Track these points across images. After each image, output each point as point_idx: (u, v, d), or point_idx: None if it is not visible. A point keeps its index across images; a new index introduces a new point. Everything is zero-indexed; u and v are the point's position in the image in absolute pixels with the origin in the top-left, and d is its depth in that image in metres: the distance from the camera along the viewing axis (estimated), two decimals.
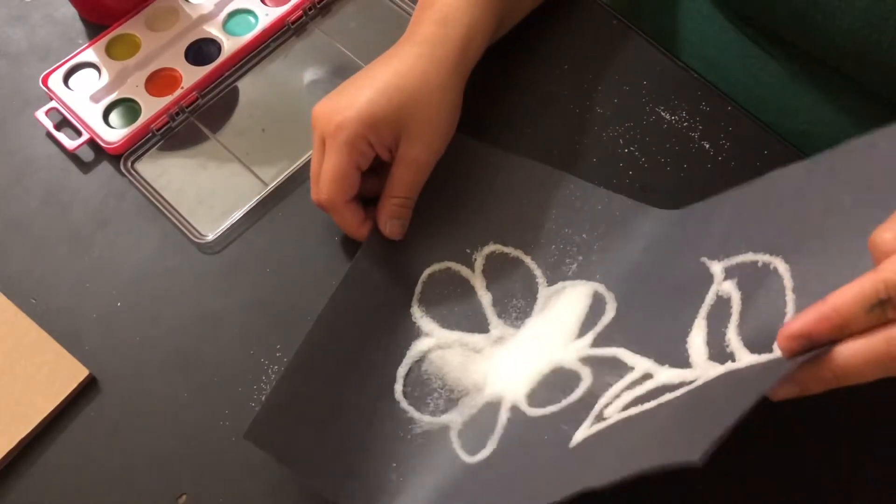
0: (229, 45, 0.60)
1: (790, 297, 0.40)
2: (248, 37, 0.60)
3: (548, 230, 0.52)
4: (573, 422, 0.44)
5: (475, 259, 0.52)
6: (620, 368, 0.46)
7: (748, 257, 0.44)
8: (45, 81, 0.58)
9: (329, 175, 0.48)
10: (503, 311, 0.50)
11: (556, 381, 0.47)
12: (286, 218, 0.55)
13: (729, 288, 0.44)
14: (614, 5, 0.62)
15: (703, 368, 0.42)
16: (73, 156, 0.57)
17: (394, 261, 0.51)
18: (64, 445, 0.48)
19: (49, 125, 0.57)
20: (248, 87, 0.60)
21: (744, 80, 0.61)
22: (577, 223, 0.52)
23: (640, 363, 0.45)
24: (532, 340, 0.49)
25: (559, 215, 0.52)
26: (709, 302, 0.44)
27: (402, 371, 0.48)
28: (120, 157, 0.56)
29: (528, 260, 0.52)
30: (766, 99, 0.60)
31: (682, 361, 0.43)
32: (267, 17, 0.61)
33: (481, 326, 0.50)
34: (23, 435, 0.47)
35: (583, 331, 0.49)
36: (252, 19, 0.61)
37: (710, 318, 0.44)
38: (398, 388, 0.48)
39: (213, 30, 0.61)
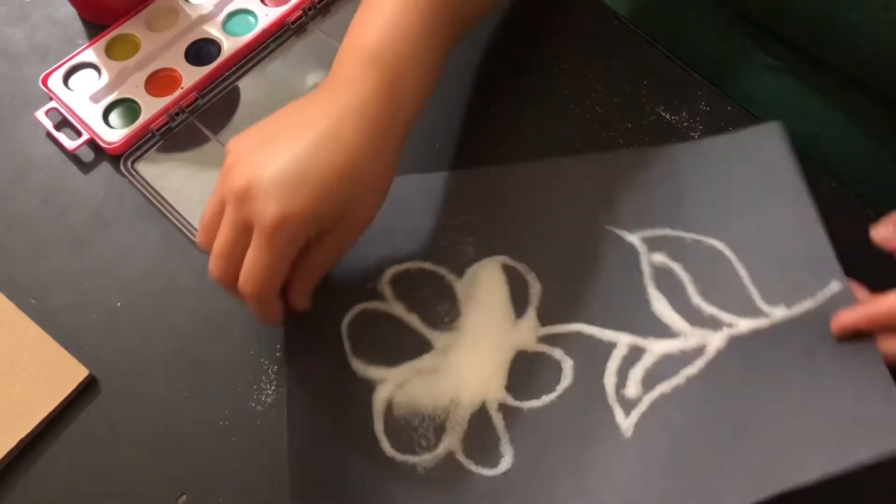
0: (229, 45, 0.60)
1: (741, 267, 0.50)
2: (248, 37, 0.60)
3: (431, 232, 0.52)
4: (595, 409, 0.46)
5: (381, 290, 0.50)
6: (598, 345, 0.48)
7: (667, 233, 0.51)
8: (45, 81, 0.58)
9: (265, 272, 0.42)
10: (435, 322, 0.50)
11: (529, 367, 0.48)
12: None
13: (663, 259, 0.51)
14: (614, 5, 0.62)
15: (695, 335, 0.48)
16: (73, 156, 0.57)
17: (313, 330, 0.49)
18: (64, 445, 0.48)
19: (49, 125, 0.57)
20: (249, 87, 0.60)
21: (745, 81, 0.61)
22: (449, 211, 0.52)
23: (619, 338, 0.48)
24: (477, 336, 0.49)
25: (432, 214, 0.52)
26: (648, 272, 0.50)
27: (379, 428, 0.47)
28: (120, 157, 0.56)
29: (428, 265, 0.51)
30: (768, 100, 0.59)
31: (665, 332, 0.48)
32: (267, 17, 0.61)
33: (424, 347, 0.49)
34: (23, 435, 0.47)
35: (519, 309, 0.50)
36: (252, 19, 0.61)
37: (662, 288, 0.50)
38: (386, 446, 0.46)
39: (213, 30, 0.61)
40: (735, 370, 0.46)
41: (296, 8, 0.61)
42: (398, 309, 0.50)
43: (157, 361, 0.50)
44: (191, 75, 0.59)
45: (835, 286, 0.48)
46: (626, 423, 0.46)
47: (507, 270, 0.51)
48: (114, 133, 0.56)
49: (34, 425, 0.48)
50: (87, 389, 0.49)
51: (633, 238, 0.51)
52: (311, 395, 0.47)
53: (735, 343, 0.47)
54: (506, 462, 0.46)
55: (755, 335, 0.47)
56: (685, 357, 0.47)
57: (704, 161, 0.53)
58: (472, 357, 0.49)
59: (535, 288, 0.50)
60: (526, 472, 0.45)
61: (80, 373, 0.49)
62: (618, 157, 0.54)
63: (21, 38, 0.62)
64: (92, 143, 0.57)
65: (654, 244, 0.51)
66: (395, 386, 0.48)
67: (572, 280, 0.50)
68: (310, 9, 0.62)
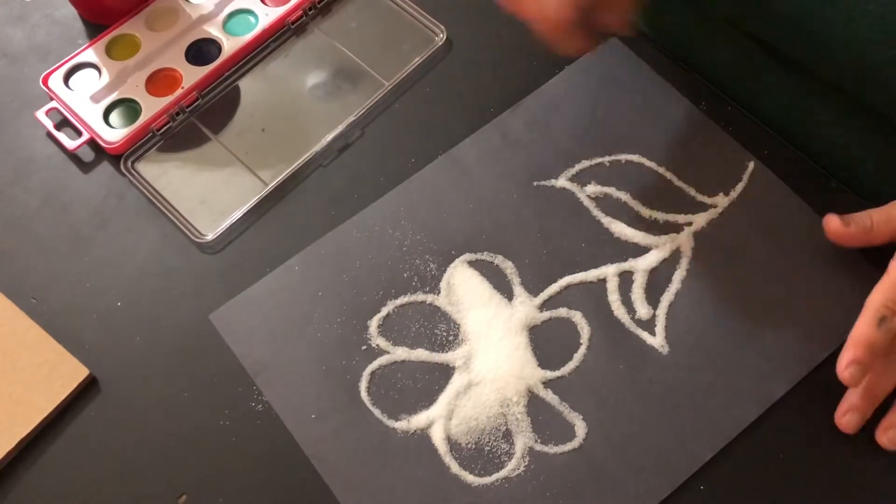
0: (229, 45, 0.60)
1: (664, 171, 0.54)
2: (248, 37, 0.60)
3: (388, 269, 0.52)
4: (625, 342, 0.49)
5: (376, 344, 0.50)
6: (591, 287, 0.51)
7: (585, 165, 0.55)
8: (45, 81, 0.58)
9: None
10: (443, 345, 0.50)
11: (547, 338, 0.50)
12: (286, 218, 0.55)
13: (596, 188, 0.54)
14: None
15: (666, 242, 0.52)
16: (73, 156, 0.57)
17: (341, 423, 0.48)
18: (64, 445, 0.48)
19: (49, 125, 0.57)
20: (249, 87, 0.60)
21: (747, 80, 0.61)
22: (390, 246, 0.52)
23: (605, 272, 0.51)
24: (487, 335, 0.50)
25: (380, 252, 0.52)
26: (591, 205, 0.53)
27: (455, 467, 0.46)
28: (120, 157, 0.56)
29: (403, 300, 0.51)
30: (765, 99, 0.59)
31: (639, 250, 0.52)
32: (267, 17, 0.61)
33: (447, 371, 0.49)
34: (23, 435, 0.47)
35: (507, 293, 0.51)
36: (252, 19, 0.62)
37: (612, 214, 0.53)
38: (471, 479, 0.46)
39: (213, 30, 0.61)
40: (716, 255, 0.51)
41: (296, 8, 0.62)
42: (402, 353, 0.50)
43: (157, 361, 0.50)
44: (191, 75, 0.59)
45: (751, 165, 0.54)
46: (656, 341, 0.49)
47: (475, 265, 0.52)
48: (114, 133, 0.56)
49: (34, 425, 0.48)
50: (87, 389, 0.49)
51: (562, 181, 0.54)
52: (371, 486, 0.46)
53: (701, 236, 0.52)
54: (580, 429, 0.47)
55: (713, 224, 0.52)
56: (669, 264, 0.51)
57: (576, 90, 0.57)
58: (494, 356, 0.49)
59: (508, 266, 0.52)
60: (603, 426, 0.47)
61: (80, 373, 0.49)
62: (504, 120, 0.56)
63: (21, 38, 0.62)
64: (92, 143, 0.57)
65: (581, 179, 0.54)
66: (445, 420, 0.47)
67: (535, 243, 0.52)
68: (310, 9, 0.62)
